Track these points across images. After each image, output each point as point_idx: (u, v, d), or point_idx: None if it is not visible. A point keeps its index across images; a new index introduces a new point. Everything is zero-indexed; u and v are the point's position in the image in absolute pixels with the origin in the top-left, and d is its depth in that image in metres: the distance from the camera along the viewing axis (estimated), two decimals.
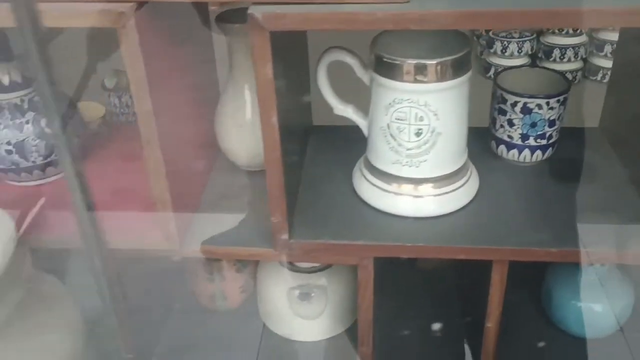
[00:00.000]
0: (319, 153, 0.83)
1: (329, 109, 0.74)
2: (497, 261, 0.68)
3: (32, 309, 0.48)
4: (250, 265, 0.92)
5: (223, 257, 0.80)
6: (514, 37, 1.82)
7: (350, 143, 0.82)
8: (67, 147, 0.38)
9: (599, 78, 1.90)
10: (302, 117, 0.82)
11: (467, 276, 0.94)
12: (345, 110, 0.73)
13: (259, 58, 0.55)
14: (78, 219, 0.43)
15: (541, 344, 0.84)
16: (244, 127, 0.77)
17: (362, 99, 0.73)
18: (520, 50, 1.91)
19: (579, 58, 1.86)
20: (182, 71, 0.71)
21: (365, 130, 0.73)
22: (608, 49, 1.81)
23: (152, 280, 0.85)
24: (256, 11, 0.53)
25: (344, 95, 0.74)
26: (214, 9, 0.77)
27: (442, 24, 0.52)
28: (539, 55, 1.94)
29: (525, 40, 1.84)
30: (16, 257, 0.46)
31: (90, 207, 0.43)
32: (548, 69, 0.80)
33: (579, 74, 1.76)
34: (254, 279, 0.92)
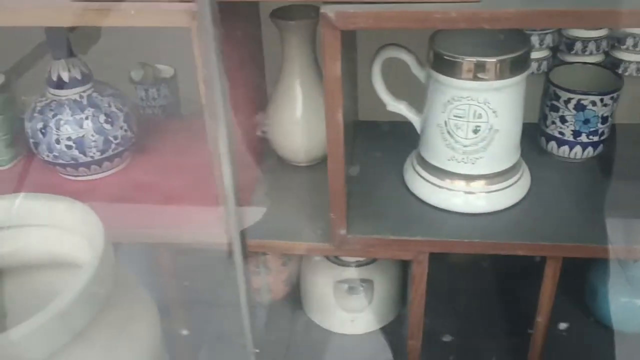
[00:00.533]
0: (366, 148, 0.84)
1: (373, 104, 0.75)
2: (551, 257, 0.69)
3: (114, 300, 0.49)
4: (294, 259, 0.93)
5: (279, 251, 0.81)
6: (535, 30, 1.82)
7: (395, 138, 0.83)
8: (228, 147, 0.39)
9: (620, 71, 1.89)
10: (353, 113, 0.82)
11: (505, 271, 0.95)
12: (398, 107, 0.74)
13: (329, 56, 0.56)
14: (227, 217, 0.44)
15: (585, 339, 0.84)
16: (296, 123, 0.77)
17: (402, 93, 0.73)
18: (541, 43, 1.91)
19: (600, 51, 1.86)
20: (240, 68, 0.72)
21: (418, 127, 0.74)
22: (630, 42, 1.81)
23: (201, 273, 0.86)
24: (329, 10, 0.54)
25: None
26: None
27: (514, 23, 0.53)
28: (561, 48, 1.95)
29: (546, 33, 1.84)
30: (106, 251, 0.47)
31: (239, 204, 0.44)
32: (599, 65, 0.81)
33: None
34: (297, 272, 0.93)
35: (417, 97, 0.72)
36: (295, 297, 0.93)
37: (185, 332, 0.65)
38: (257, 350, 0.53)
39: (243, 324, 0.52)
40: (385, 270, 0.86)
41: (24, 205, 0.56)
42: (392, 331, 0.90)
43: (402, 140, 0.80)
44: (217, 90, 0.42)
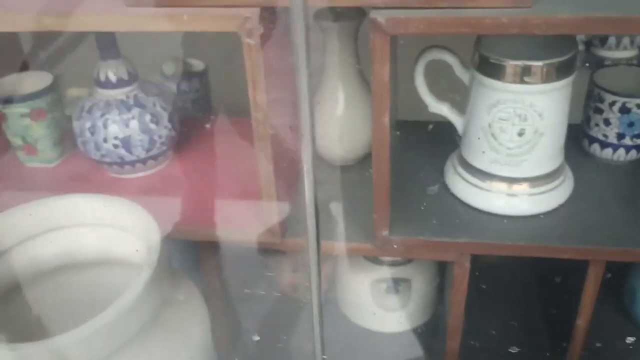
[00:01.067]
0: (404, 148, 0.84)
1: (413, 103, 0.75)
2: (594, 261, 0.69)
3: (169, 302, 0.50)
4: (331, 257, 0.93)
5: (322, 251, 0.81)
6: None
7: (434, 138, 0.83)
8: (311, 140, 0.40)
9: None
10: (394, 113, 0.83)
11: (541, 273, 0.95)
12: (440, 108, 0.74)
13: (378, 61, 0.56)
14: (309, 218, 0.45)
15: (626, 342, 0.84)
16: (338, 124, 0.78)
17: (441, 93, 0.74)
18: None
19: (634, 46, 1.83)
20: (283, 70, 0.73)
21: (460, 128, 0.74)
22: None
23: (241, 269, 0.87)
24: (379, 15, 0.54)
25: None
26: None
27: (567, 29, 0.53)
28: (594, 42, 1.92)
29: None
30: (162, 251, 0.49)
31: (317, 207, 0.45)
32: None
33: (634, 62, 1.73)
34: (334, 269, 0.93)
35: (456, 96, 0.72)
36: (331, 294, 0.94)
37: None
38: (325, 357, 0.54)
39: (313, 332, 0.53)
40: (422, 269, 0.87)
41: (79, 205, 0.57)
42: (428, 330, 0.90)
43: (443, 140, 0.80)
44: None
